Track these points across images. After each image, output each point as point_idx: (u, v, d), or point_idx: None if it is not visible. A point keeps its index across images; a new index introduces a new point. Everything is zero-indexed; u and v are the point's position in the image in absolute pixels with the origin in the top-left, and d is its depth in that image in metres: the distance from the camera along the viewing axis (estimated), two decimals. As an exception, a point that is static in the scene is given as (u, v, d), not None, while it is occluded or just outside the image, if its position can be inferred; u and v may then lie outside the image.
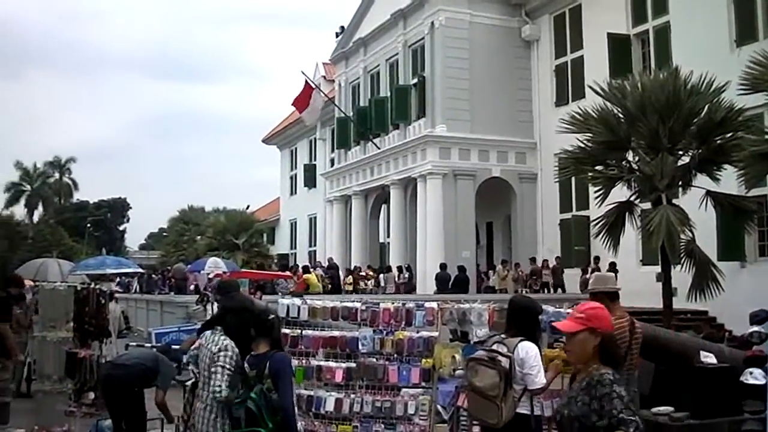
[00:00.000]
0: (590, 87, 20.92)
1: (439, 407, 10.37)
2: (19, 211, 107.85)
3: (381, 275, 36.70)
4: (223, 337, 7.70)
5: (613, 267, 25.51)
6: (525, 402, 7.74)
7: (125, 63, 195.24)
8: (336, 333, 10.77)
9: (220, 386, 7.36)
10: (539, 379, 7.68)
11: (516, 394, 7.63)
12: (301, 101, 39.95)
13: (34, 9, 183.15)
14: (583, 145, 19.66)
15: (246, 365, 7.56)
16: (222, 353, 7.55)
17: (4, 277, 14.27)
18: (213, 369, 7.49)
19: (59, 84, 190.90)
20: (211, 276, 26.75)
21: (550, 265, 33.30)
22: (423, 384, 10.18)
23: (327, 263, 40.03)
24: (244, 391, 7.37)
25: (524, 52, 37.39)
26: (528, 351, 7.69)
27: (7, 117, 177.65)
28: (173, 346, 13.99)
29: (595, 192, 20.44)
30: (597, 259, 27.76)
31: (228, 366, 7.48)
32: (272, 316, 8.15)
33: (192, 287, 34.18)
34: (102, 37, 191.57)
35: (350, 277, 37.05)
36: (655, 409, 10.16)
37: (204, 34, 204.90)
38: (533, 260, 34.52)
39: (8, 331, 12.43)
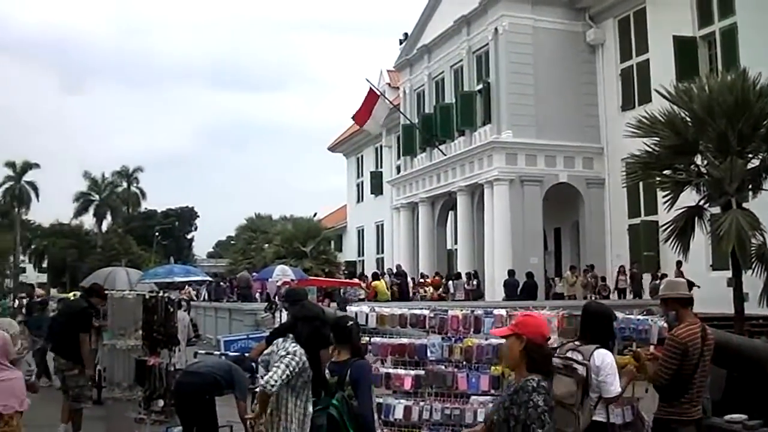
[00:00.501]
0: (656, 90, 20.76)
1: (510, 415, 10.27)
2: (88, 220, 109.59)
3: (450, 282, 36.55)
4: (294, 344, 7.75)
5: (679, 269, 25.22)
6: (601, 410, 7.64)
7: (190, 74, 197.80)
8: (405, 340, 10.74)
9: (275, 380, 7.44)
10: (615, 387, 7.58)
11: (592, 402, 7.55)
12: (365, 109, 40.06)
13: (100, 23, 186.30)
14: (650, 150, 19.47)
15: (327, 372, 7.57)
16: (290, 356, 7.65)
17: (85, 288, 14.36)
18: (276, 365, 7.59)
19: (125, 95, 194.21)
20: (279, 284, 26.81)
21: (626, 271, 32.81)
22: (492, 391, 10.11)
23: (395, 270, 39.93)
24: (325, 397, 7.39)
25: (589, 56, 37.04)
26: (604, 359, 7.58)
27: (74, 129, 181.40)
28: (245, 354, 14.12)
29: (664, 197, 20.21)
30: (679, 264, 27.14)
31: (291, 367, 7.57)
32: (351, 322, 8.16)
33: (257, 295, 34.31)
34: (167, 49, 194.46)
35: (419, 284, 37.08)
36: (728, 417, 9.96)
37: (268, 44, 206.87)
38: (593, 267, 34.15)
39: (86, 341, 12.57)
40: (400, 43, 46.36)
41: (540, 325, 5.96)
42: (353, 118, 41.58)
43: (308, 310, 8.79)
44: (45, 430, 12.06)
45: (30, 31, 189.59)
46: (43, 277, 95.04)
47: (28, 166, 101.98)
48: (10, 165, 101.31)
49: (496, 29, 36.11)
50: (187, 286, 42.07)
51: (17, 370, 8.61)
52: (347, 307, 11.34)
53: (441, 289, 36.25)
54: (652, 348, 9.05)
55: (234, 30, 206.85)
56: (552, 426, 5.51)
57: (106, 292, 13.56)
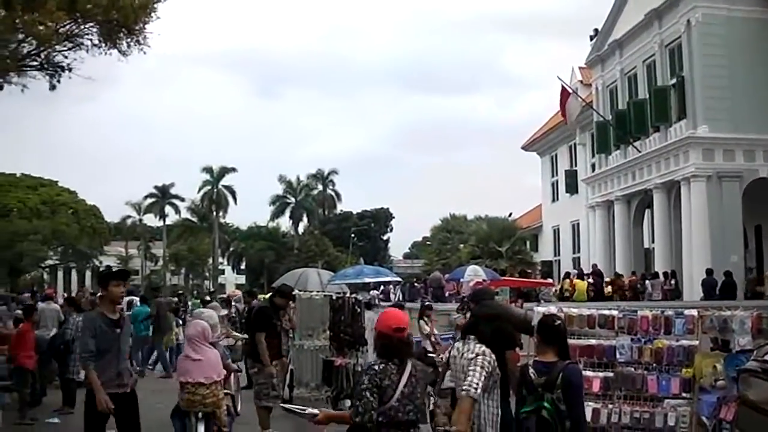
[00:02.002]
0: None
1: (704, 419, 9.88)
2: (285, 222, 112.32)
3: (647, 281, 35.76)
4: (478, 345, 7.62)
5: None
6: None
7: (384, 77, 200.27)
8: (593, 341, 10.52)
9: (476, 384, 7.25)
10: None
11: None
12: (561, 107, 39.80)
13: (292, 31, 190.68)
14: None
15: (532, 371, 7.36)
16: (480, 357, 7.49)
17: (273, 289, 14.61)
18: (471, 368, 7.40)
19: (318, 100, 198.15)
20: (471, 284, 26.73)
21: None
22: (684, 395, 9.79)
23: (591, 270, 39.34)
24: (531, 398, 7.18)
25: (788, 44, 35.50)
26: None
27: (269, 134, 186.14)
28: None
29: None
30: None
31: (486, 367, 7.41)
32: (558, 321, 7.74)
33: (448, 295, 34.28)
34: (359, 54, 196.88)
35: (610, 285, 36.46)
36: None
37: (458, 46, 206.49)
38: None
39: (261, 340, 12.73)
40: (591, 39, 45.66)
41: (388, 319, 7.09)
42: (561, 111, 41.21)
43: (489, 309, 8.66)
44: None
45: (225, 40, 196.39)
46: (241, 279, 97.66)
47: (225, 171, 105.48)
48: (208, 170, 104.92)
49: (688, 21, 35.12)
50: (381, 287, 42.57)
51: (215, 349, 10.80)
52: (534, 308, 11.13)
53: (635, 289, 35.49)
54: None
55: (427, 33, 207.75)
56: (369, 403, 6.62)
57: (294, 293, 13.73)
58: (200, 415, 10.34)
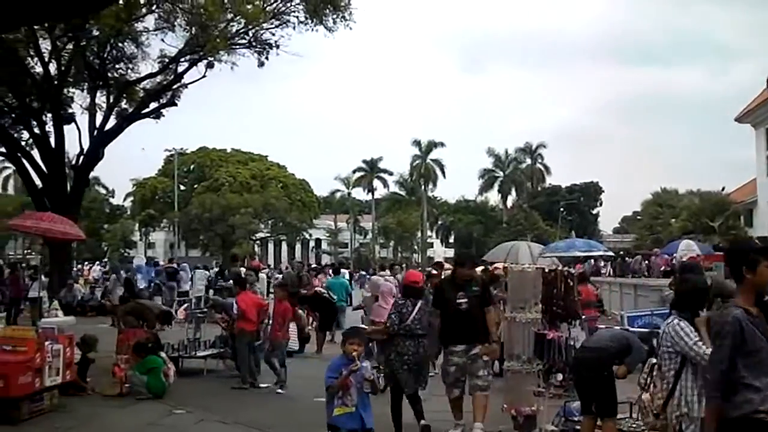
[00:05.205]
0: None
1: None
2: (493, 196, 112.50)
3: None
4: (676, 320, 7.43)
5: None
6: None
7: (591, 50, 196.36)
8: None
9: (705, 351, 7.09)
10: None
11: None
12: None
13: (498, 6, 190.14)
14: None
15: None
16: (680, 333, 7.43)
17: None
18: (686, 349, 7.35)
19: (524, 73, 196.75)
20: (684, 259, 26.12)
21: None
22: None
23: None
24: None
25: None
26: None
27: (476, 108, 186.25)
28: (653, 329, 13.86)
29: None
30: None
31: (692, 337, 7.35)
32: None
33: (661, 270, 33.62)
34: (565, 27, 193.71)
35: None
36: None
37: (667, 16, 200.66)
38: None
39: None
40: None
41: (408, 276, 13.88)
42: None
43: (690, 283, 8.36)
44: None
45: (430, 15, 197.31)
46: (450, 252, 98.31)
47: (433, 145, 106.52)
48: (417, 144, 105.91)
49: None
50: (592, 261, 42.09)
51: None
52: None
53: None
54: None
55: (634, 4, 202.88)
56: (393, 322, 12.02)
57: (504, 265, 13.66)
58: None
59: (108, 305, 32.02)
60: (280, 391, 15.89)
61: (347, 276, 34.46)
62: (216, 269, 40.94)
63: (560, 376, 11.82)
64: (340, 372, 8.77)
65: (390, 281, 19.82)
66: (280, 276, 36.47)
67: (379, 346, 15.45)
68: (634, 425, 10.68)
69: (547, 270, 12.73)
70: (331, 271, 32.93)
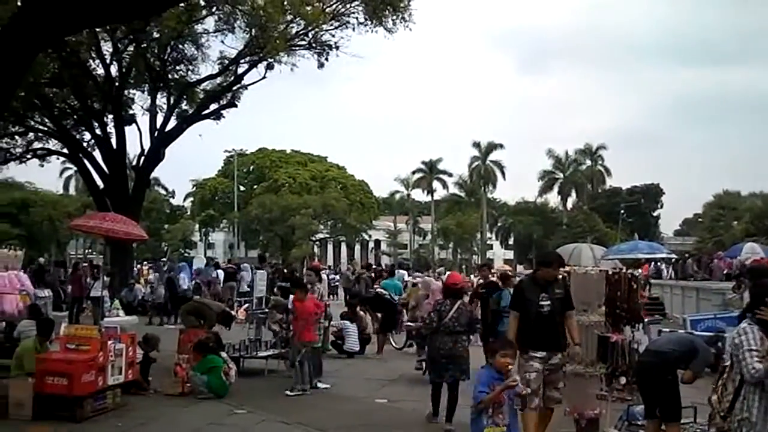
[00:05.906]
0: None
1: None
2: (553, 198, 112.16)
3: None
4: (745, 324, 7.32)
5: None
6: None
7: (651, 50, 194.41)
8: None
9: (753, 367, 7.02)
10: None
11: None
12: None
13: (556, 7, 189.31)
14: None
15: None
16: (741, 337, 7.26)
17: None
18: (740, 356, 7.20)
19: (584, 74, 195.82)
20: (748, 262, 25.81)
21: None
22: None
23: None
24: None
25: None
26: None
27: (535, 109, 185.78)
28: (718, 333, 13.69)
29: None
30: None
31: (752, 346, 7.15)
32: None
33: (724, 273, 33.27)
34: (626, 28, 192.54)
35: None
36: None
37: (729, 16, 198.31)
38: None
39: None
40: None
41: (449, 278, 15.89)
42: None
43: (761, 287, 8.20)
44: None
45: (488, 16, 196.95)
46: (510, 254, 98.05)
47: (492, 147, 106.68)
48: (476, 145, 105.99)
49: None
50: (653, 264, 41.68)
51: None
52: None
53: None
54: None
55: (696, 5, 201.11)
56: (432, 320, 13.37)
57: (568, 268, 13.53)
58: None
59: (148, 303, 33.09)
60: (289, 393, 15.79)
61: (406, 277, 34.27)
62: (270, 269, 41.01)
63: (623, 380, 11.66)
64: (490, 386, 8.22)
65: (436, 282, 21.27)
66: (337, 276, 36.39)
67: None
68: (698, 430, 10.55)
69: (610, 272, 12.58)
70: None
